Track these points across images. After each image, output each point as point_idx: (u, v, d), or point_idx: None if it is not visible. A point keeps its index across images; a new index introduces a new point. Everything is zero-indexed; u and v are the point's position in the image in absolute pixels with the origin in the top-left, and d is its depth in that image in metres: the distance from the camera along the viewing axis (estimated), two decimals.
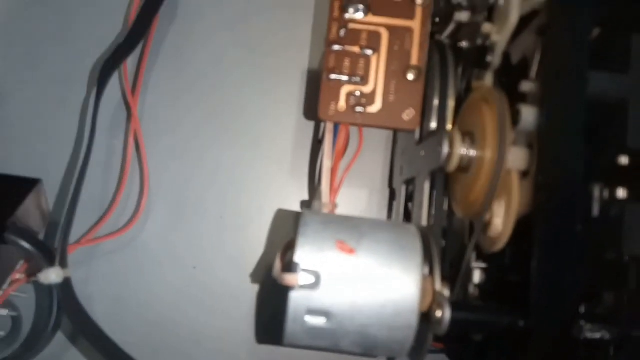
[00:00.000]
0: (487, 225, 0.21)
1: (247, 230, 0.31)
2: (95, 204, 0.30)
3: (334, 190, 0.26)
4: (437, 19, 0.28)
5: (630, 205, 0.18)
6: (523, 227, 0.20)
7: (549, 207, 0.19)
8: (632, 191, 0.18)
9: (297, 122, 0.31)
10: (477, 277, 0.21)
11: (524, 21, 0.21)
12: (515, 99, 0.21)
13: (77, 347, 0.29)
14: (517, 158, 0.20)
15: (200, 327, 0.30)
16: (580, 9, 0.19)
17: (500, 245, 0.21)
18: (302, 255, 0.20)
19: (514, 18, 0.21)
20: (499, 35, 0.22)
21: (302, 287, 0.20)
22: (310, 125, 0.32)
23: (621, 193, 0.18)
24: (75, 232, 0.29)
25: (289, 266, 0.20)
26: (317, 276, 0.20)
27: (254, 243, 0.31)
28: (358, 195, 0.31)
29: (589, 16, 0.19)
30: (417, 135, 0.27)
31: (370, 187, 0.31)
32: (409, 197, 0.28)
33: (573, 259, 0.18)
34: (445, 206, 0.25)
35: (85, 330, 0.24)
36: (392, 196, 0.31)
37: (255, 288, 0.31)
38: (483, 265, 0.22)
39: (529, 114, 0.20)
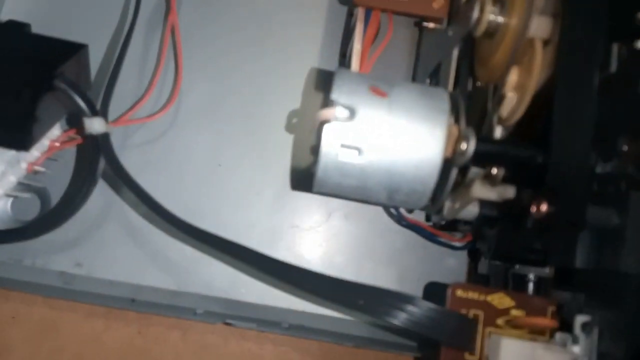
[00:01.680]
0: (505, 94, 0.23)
1: (272, 131, 0.32)
2: (131, 92, 0.32)
3: (363, 72, 0.27)
4: None
5: None
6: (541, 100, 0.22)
7: (572, 62, 0.20)
8: None
9: (324, 29, 0.33)
10: (498, 132, 0.23)
11: None
12: None
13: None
14: (540, 25, 0.22)
15: (223, 220, 0.32)
16: None
17: (519, 114, 0.23)
18: (338, 93, 0.22)
19: None
20: None
21: (338, 119, 0.21)
22: (337, 37, 0.33)
23: None
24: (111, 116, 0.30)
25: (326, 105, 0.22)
26: (352, 110, 0.21)
27: (277, 144, 0.32)
28: None
29: None
30: (444, 23, 0.28)
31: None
32: None
33: (589, 104, 0.20)
34: (469, 86, 0.26)
35: (123, 176, 0.25)
36: None
37: (275, 187, 0.32)
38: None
39: None
